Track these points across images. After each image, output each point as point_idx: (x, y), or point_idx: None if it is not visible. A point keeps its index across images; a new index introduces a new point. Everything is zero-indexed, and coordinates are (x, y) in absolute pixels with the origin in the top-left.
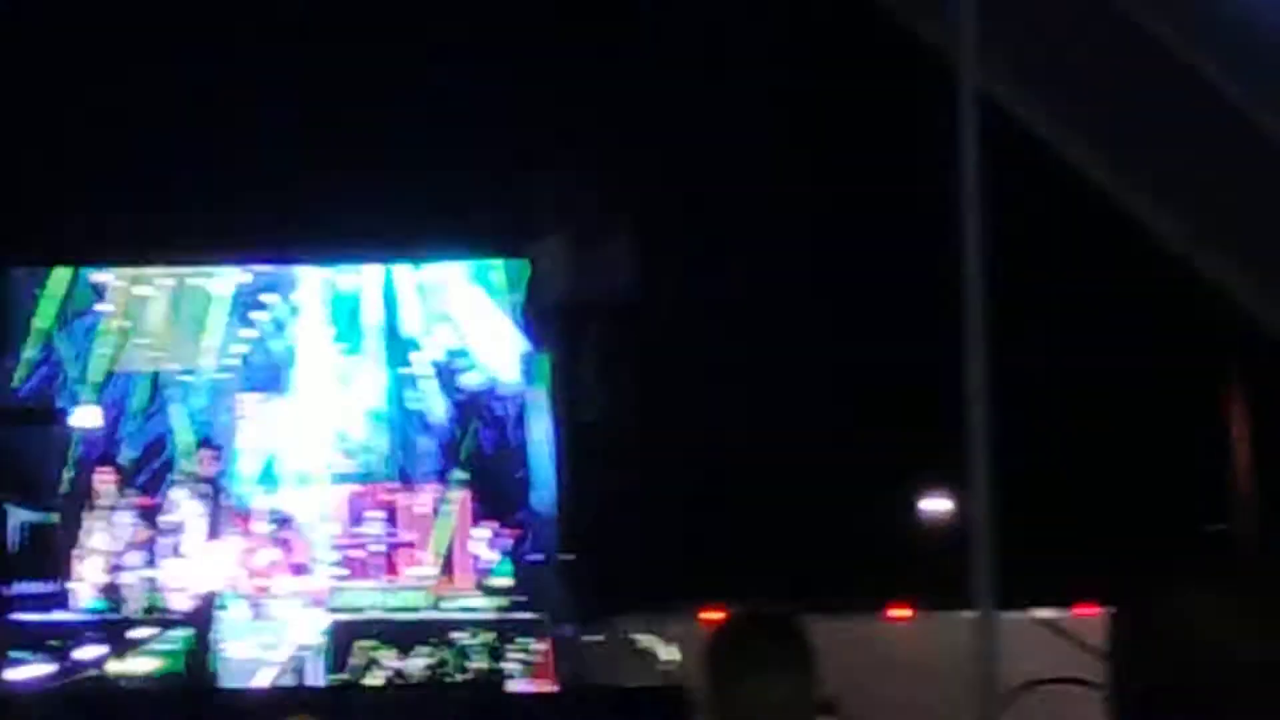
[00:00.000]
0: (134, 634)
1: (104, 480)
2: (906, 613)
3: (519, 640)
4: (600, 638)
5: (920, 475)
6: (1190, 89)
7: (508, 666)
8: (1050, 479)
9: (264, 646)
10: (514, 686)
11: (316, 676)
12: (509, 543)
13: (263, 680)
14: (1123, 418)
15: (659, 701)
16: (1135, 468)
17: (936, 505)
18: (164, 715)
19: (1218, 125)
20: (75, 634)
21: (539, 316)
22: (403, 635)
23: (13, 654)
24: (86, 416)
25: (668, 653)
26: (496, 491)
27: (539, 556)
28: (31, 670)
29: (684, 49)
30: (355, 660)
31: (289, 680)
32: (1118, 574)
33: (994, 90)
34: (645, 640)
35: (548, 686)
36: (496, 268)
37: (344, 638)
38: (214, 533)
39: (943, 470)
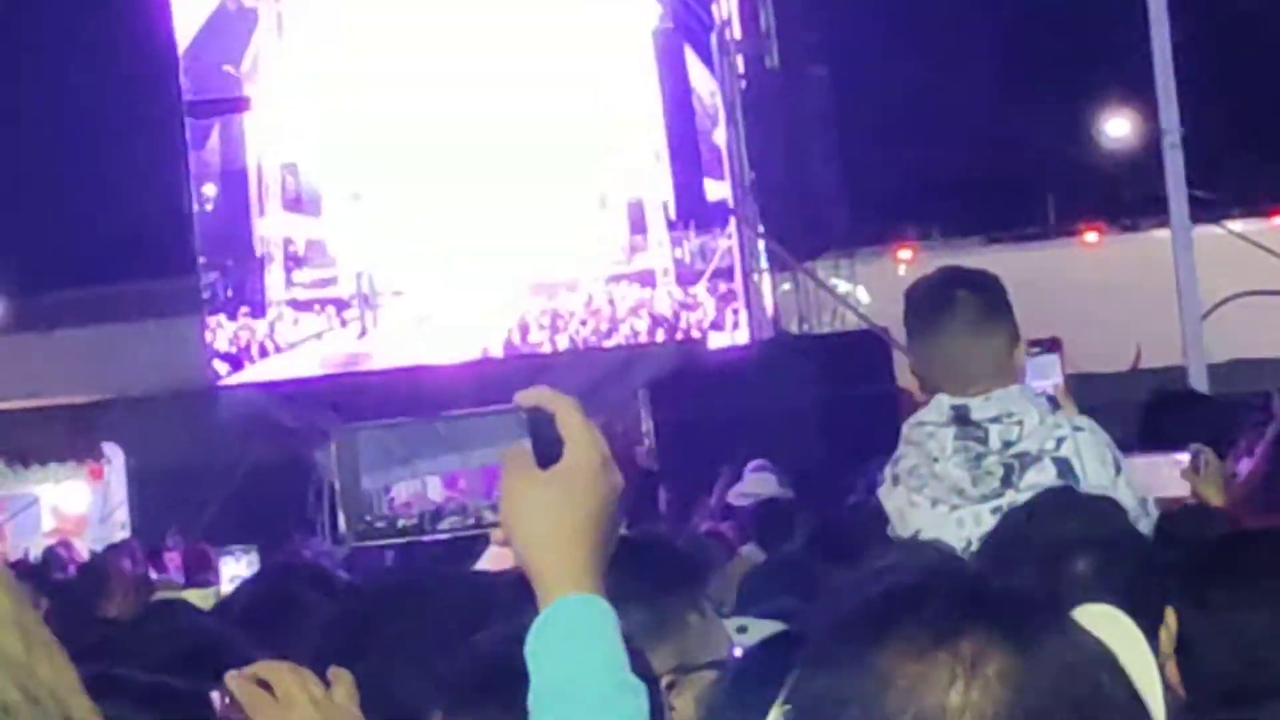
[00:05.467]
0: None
1: None
2: (1098, 235)
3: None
4: (790, 285)
5: (1105, 94)
6: None
7: (704, 319)
8: (1237, 85)
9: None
10: (713, 341)
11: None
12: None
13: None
14: None
15: (856, 346)
16: None
17: (1123, 124)
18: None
19: None
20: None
21: None
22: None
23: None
24: None
25: (863, 295)
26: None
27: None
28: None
29: None
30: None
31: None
32: None
33: None
34: (840, 284)
35: (743, 338)
36: None
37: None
38: None
39: (1129, 87)
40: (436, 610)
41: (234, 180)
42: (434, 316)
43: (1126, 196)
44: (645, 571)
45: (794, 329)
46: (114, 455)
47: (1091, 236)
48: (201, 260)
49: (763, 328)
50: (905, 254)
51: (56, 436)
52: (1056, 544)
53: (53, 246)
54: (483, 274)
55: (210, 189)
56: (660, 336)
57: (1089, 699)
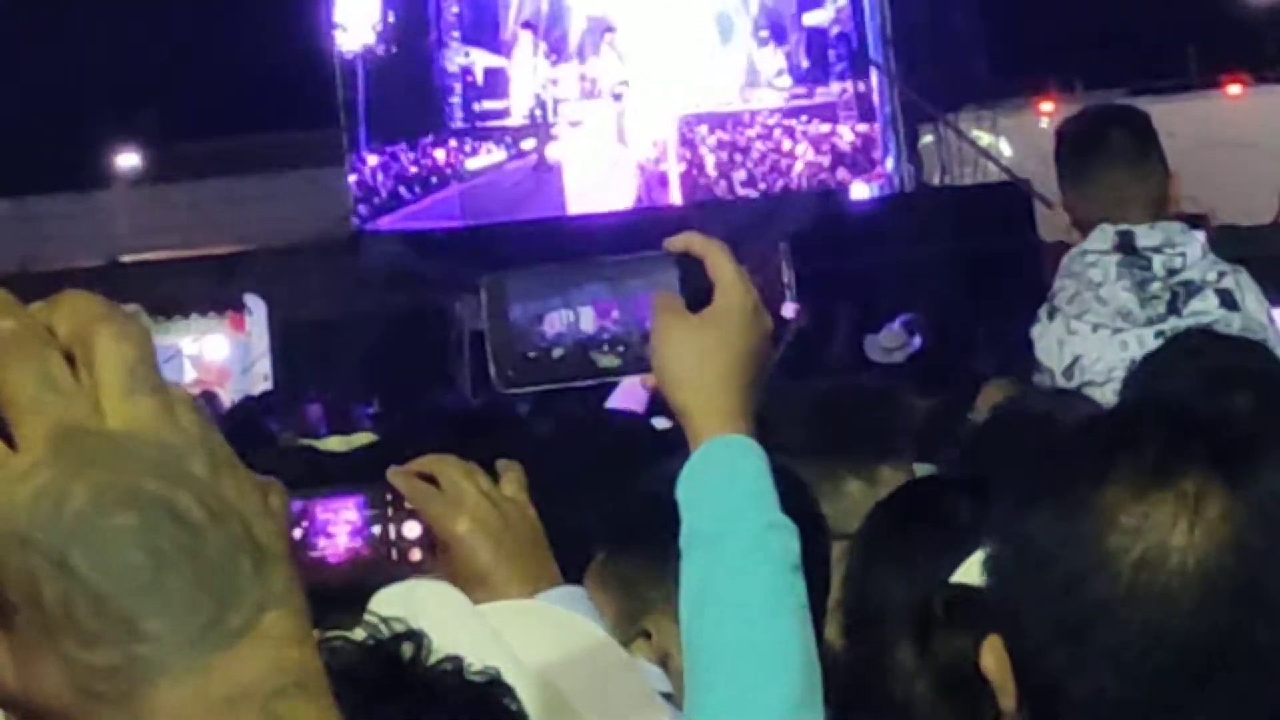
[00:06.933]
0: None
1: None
2: (1241, 88)
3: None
4: (932, 137)
5: None
6: None
7: (840, 174)
8: None
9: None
10: (853, 194)
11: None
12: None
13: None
14: None
15: (997, 199)
16: None
17: None
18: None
19: None
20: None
21: None
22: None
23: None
24: None
25: (1005, 147)
26: None
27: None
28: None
29: None
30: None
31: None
32: None
33: None
34: (981, 136)
35: (882, 190)
36: None
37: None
38: None
39: None
40: (594, 450)
41: (412, 9)
42: (610, 148)
43: (1270, 49)
44: (808, 426)
45: (935, 181)
46: (256, 307)
47: (1235, 88)
48: (373, 96)
49: (904, 180)
50: (1047, 106)
51: (198, 288)
52: (1212, 376)
53: (194, 96)
54: (659, 106)
55: (390, 17)
56: (842, 174)
57: None
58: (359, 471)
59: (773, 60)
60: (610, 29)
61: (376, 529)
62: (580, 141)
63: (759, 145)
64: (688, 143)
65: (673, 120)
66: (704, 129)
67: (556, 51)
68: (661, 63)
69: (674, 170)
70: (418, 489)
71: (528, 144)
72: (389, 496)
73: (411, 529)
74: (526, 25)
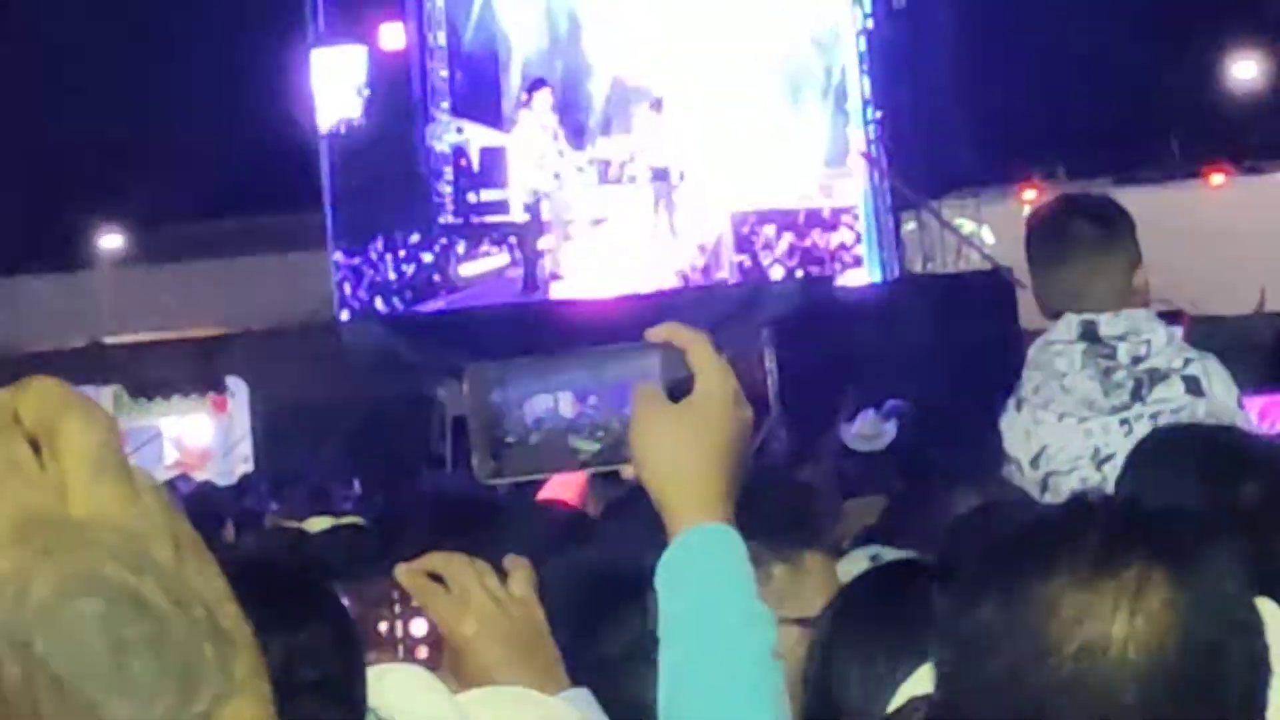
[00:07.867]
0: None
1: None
2: (1224, 177)
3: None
4: (915, 224)
5: (1232, 35)
6: None
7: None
8: None
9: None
10: (841, 280)
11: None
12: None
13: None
14: None
15: (980, 287)
16: None
17: (1250, 65)
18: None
19: None
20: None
21: None
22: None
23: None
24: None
25: (988, 235)
26: None
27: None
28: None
29: None
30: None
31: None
32: None
33: None
34: (965, 224)
35: (865, 278)
36: None
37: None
38: None
39: (1256, 28)
40: (528, 534)
41: (395, 77)
42: (643, 250)
43: (1253, 139)
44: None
45: (918, 269)
46: (237, 389)
47: (1218, 178)
48: (353, 185)
49: (887, 267)
50: (1030, 194)
51: (180, 369)
52: (1215, 466)
53: (177, 178)
54: (708, 198)
55: (372, 88)
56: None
57: (1249, 626)
58: (342, 554)
59: (862, 138)
60: (648, 99)
61: (383, 625)
62: (602, 243)
63: (846, 257)
64: (747, 247)
65: (726, 217)
66: (769, 230)
67: (574, 127)
68: (712, 140)
69: (730, 282)
70: (425, 588)
71: (532, 245)
72: (395, 593)
73: (419, 626)
74: (537, 85)
